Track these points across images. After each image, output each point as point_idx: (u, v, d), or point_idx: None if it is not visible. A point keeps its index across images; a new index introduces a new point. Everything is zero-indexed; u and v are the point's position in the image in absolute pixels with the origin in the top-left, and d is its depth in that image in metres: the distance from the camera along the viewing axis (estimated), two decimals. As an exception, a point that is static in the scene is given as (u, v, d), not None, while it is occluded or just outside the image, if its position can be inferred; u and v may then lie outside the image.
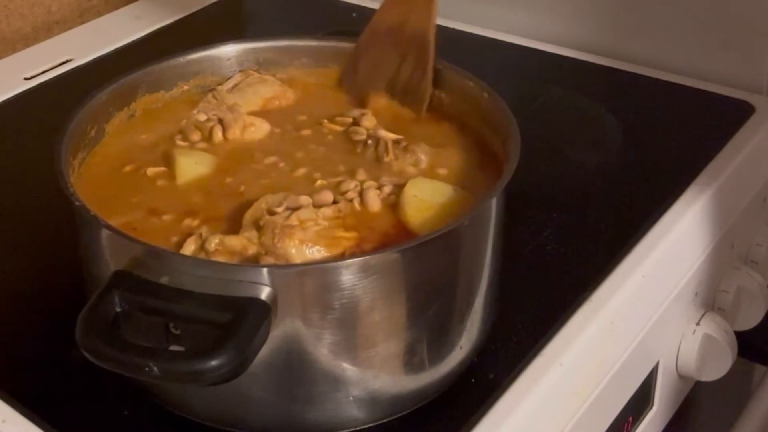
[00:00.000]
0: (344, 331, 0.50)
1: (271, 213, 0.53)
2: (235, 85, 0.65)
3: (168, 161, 0.59)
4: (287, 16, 1.00)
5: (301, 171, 0.59)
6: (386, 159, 0.59)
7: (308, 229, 0.52)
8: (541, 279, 0.63)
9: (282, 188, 0.56)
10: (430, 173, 0.59)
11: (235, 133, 0.62)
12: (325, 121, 0.63)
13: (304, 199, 0.54)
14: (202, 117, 0.63)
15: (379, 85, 0.65)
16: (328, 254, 0.52)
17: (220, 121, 0.62)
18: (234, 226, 0.54)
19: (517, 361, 0.57)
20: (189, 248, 0.52)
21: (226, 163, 0.60)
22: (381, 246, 0.52)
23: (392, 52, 0.64)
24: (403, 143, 0.60)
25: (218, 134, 0.61)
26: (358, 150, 0.60)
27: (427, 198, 0.55)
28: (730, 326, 0.72)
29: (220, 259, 0.51)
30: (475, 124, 0.62)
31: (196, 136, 0.61)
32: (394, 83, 0.64)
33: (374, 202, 0.55)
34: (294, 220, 0.52)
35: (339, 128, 0.62)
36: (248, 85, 0.65)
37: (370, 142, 0.60)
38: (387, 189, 0.56)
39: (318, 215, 0.53)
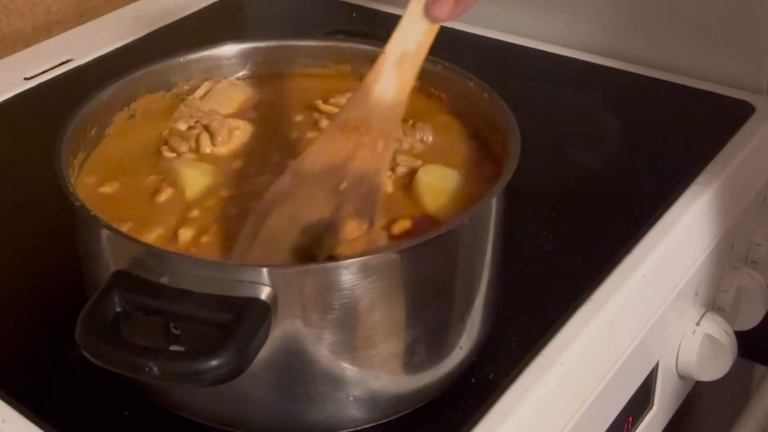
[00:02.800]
0: (344, 331, 0.50)
1: None
2: (206, 93, 0.65)
3: (171, 175, 0.59)
4: (287, 16, 1.00)
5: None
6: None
7: None
8: (541, 279, 0.63)
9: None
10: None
11: (223, 138, 0.61)
12: (320, 102, 0.63)
13: None
14: (183, 126, 0.62)
15: (287, 245, 0.52)
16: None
17: (207, 128, 0.61)
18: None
19: (517, 361, 0.57)
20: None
21: (227, 167, 0.60)
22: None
23: (322, 200, 0.52)
24: (410, 121, 0.61)
25: (206, 142, 0.61)
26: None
27: (440, 185, 0.57)
28: (730, 326, 0.72)
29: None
30: (475, 124, 0.62)
31: (183, 146, 0.61)
32: (316, 239, 0.52)
33: (386, 184, 0.56)
34: None
35: (335, 110, 0.62)
36: (220, 91, 0.65)
37: None
38: (402, 169, 0.58)
39: None
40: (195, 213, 0.56)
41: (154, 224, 0.55)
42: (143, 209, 0.56)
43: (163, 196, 0.57)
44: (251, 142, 0.62)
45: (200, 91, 0.65)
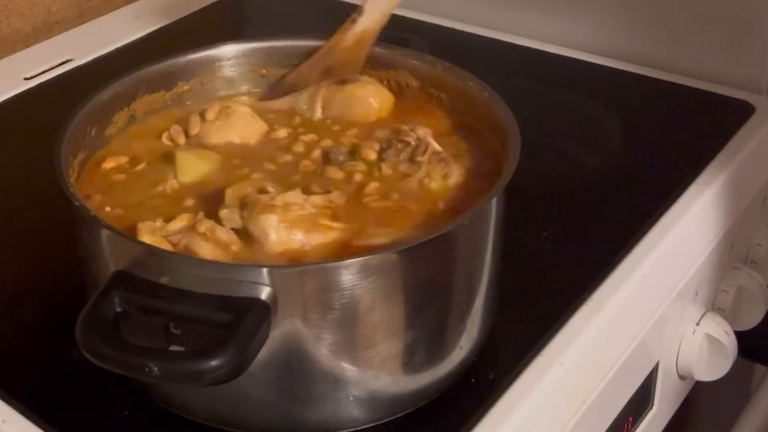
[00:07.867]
0: (344, 331, 0.50)
1: (261, 192, 0.54)
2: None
3: (168, 161, 0.59)
4: (287, 16, 1.00)
5: (304, 167, 0.59)
6: (419, 159, 0.59)
7: (291, 212, 0.52)
8: (541, 279, 0.63)
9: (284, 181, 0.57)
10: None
11: (210, 117, 0.61)
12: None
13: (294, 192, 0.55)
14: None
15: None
16: (306, 240, 0.52)
17: (201, 114, 0.62)
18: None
19: (517, 361, 0.57)
20: (179, 224, 0.53)
21: (228, 160, 0.60)
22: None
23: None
24: (443, 155, 0.59)
25: (196, 121, 0.62)
26: (399, 146, 0.60)
27: None
28: (730, 326, 0.72)
29: (205, 245, 0.51)
30: (475, 124, 0.62)
31: (181, 139, 0.62)
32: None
33: None
34: (279, 201, 0.53)
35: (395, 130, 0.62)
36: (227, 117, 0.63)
37: (413, 143, 0.60)
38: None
39: (306, 202, 0.53)
40: (190, 200, 0.56)
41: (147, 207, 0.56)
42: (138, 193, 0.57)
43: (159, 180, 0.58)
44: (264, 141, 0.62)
45: (210, 115, 0.63)
